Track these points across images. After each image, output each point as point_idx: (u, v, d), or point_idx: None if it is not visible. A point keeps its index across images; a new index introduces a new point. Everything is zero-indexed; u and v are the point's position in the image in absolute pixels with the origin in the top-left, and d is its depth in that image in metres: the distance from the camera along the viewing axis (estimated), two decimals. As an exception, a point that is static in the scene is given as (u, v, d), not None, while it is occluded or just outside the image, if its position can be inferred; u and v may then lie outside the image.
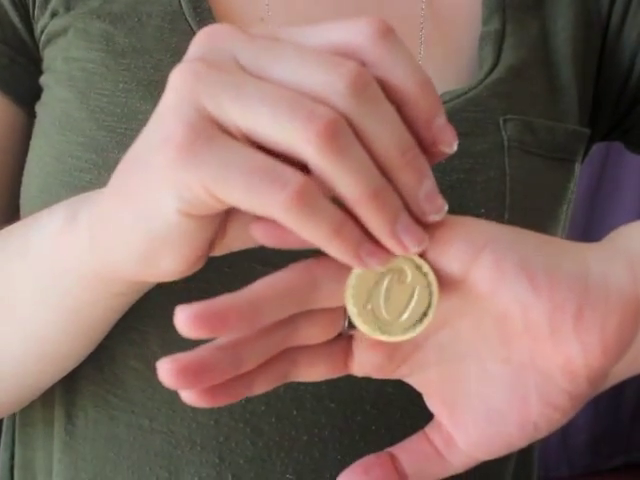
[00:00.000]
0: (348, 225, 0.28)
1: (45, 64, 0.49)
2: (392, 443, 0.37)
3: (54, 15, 0.48)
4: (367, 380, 0.37)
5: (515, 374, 0.33)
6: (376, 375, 0.35)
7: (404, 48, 0.29)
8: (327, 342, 0.33)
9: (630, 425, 1.82)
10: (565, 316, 0.30)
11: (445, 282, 0.31)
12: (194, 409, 0.44)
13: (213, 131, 0.28)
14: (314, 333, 0.32)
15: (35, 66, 0.50)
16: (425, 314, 0.31)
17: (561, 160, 0.50)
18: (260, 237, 0.30)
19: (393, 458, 0.35)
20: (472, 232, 0.31)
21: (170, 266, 0.32)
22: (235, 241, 0.33)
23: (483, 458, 0.34)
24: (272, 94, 0.28)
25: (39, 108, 0.49)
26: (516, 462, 0.51)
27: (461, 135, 0.43)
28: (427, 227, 0.30)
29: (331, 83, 0.27)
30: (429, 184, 0.30)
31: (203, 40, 0.30)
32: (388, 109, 0.29)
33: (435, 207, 0.30)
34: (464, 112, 0.47)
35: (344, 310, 0.32)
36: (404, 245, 0.29)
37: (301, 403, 0.44)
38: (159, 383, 0.29)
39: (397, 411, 0.44)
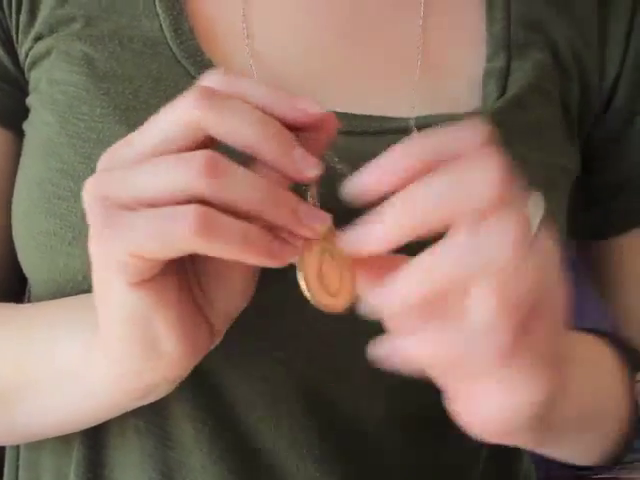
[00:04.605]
0: (253, 230, 0.32)
1: (31, 86, 0.49)
2: (363, 456, 0.44)
3: (38, 39, 0.48)
4: (340, 400, 0.43)
5: None
6: None
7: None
8: None
9: (629, 424, 1.82)
10: None
11: None
12: (187, 413, 0.44)
13: (113, 210, 0.33)
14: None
15: (19, 90, 0.50)
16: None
17: (550, 194, 0.50)
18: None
19: None
20: None
21: (169, 347, 0.35)
22: (227, 309, 0.37)
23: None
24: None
25: (27, 127, 0.49)
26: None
27: None
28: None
29: (186, 174, 0.31)
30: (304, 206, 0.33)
31: (91, 186, 0.34)
32: (244, 172, 0.32)
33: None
34: None
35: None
36: (312, 227, 0.33)
37: (279, 421, 0.44)
38: None
39: (367, 427, 0.45)
